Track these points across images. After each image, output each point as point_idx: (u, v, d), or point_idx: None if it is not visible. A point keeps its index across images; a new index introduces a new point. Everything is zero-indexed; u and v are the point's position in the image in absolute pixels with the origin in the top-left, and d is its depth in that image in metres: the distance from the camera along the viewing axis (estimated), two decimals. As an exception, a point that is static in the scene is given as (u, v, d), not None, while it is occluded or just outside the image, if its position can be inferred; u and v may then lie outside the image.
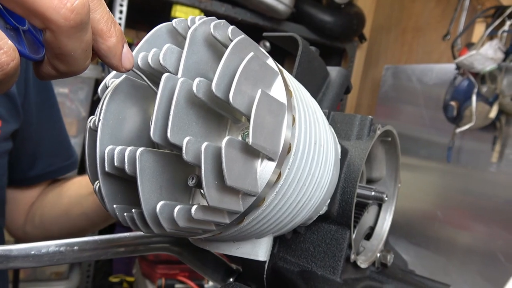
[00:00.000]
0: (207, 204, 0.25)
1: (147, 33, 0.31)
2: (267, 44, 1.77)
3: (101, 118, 0.28)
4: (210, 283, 1.43)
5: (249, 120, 0.28)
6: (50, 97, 0.75)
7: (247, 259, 0.36)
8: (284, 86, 0.28)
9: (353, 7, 1.93)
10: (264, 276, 0.42)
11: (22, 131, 0.69)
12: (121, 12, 1.53)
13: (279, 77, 0.29)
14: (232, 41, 0.27)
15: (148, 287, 1.53)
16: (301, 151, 0.29)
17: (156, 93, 0.30)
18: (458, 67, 1.38)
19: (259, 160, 0.27)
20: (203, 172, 0.23)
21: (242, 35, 0.27)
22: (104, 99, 0.29)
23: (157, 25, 0.31)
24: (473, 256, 1.44)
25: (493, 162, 1.35)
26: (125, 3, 1.53)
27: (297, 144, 0.29)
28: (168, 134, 0.24)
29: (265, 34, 0.51)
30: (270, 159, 0.27)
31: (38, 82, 0.70)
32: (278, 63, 0.31)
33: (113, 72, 0.32)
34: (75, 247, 0.36)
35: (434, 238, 1.58)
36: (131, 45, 1.57)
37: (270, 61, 0.29)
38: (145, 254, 0.45)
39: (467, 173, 1.47)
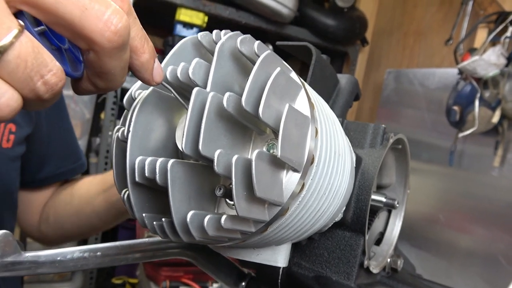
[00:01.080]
0: (234, 214, 0.26)
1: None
2: (270, 47, 1.78)
3: (130, 129, 0.29)
4: (215, 285, 1.43)
5: (274, 132, 0.29)
6: (60, 100, 0.76)
7: (262, 264, 0.37)
8: (307, 99, 0.29)
9: (356, 11, 1.94)
10: (279, 281, 0.43)
11: (33, 134, 0.71)
12: (126, 15, 1.53)
13: (302, 90, 0.30)
14: (258, 56, 0.28)
15: (152, 289, 1.53)
16: (323, 161, 0.30)
17: (182, 105, 0.31)
18: (461, 72, 1.40)
19: (285, 171, 0.28)
20: (233, 183, 0.24)
21: (268, 50, 0.28)
22: (133, 110, 0.30)
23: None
24: (475, 259, 1.45)
25: (495, 167, 1.36)
26: (130, 6, 1.54)
27: (319, 155, 0.30)
28: (200, 147, 0.25)
29: (278, 43, 0.52)
30: (295, 170, 0.28)
31: None
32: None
33: (138, 83, 0.33)
34: (98, 253, 0.37)
35: (436, 241, 1.59)
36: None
37: (294, 75, 0.30)
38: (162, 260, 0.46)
39: (469, 177, 1.48)
